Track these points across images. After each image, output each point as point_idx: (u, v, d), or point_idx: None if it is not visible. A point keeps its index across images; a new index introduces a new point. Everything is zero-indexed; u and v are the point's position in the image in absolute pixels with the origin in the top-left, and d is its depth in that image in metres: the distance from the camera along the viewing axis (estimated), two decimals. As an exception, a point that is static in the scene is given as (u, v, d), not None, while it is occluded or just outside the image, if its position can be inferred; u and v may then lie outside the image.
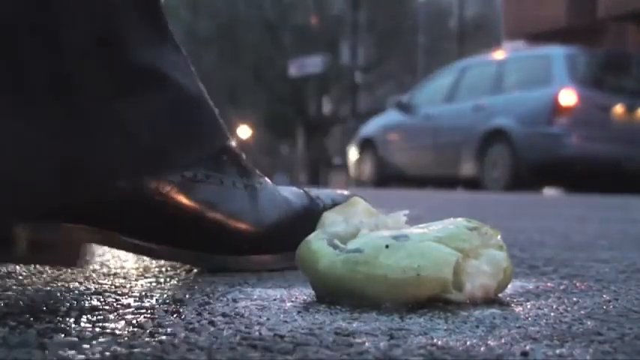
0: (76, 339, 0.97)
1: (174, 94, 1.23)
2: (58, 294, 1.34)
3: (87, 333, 1.01)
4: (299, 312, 1.17)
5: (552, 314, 1.17)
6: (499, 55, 13.45)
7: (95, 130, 1.14)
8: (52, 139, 1.12)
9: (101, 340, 0.97)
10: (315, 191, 1.55)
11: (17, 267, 1.69)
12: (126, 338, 0.98)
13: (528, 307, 1.23)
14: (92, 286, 1.43)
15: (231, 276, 1.59)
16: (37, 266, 1.72)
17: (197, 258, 1.46)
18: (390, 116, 14.75)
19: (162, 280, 1.52)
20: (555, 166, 11.51)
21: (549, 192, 11.76)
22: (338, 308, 1.19)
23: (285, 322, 1.09)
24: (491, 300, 1.24)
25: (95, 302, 1.26)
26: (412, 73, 32.07)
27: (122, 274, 1.59)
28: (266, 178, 1.50)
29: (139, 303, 1.25)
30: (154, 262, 1.83)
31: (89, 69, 1.11)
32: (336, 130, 36.41)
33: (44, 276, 1.56)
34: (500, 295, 1.28)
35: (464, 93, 13.18)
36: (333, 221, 1.30)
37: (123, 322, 1.08)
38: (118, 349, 0.92)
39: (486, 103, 12.41)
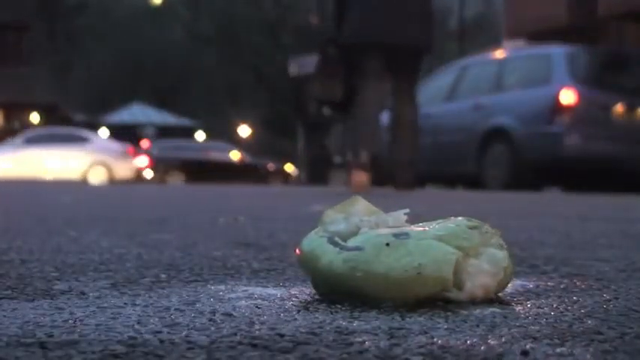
0: (76, 337, 0.97)
1: None
2: (59, 294, 1.34)
3: (87, 332, 1.01)
4: (299, 311, 1.17)
5: (553, 313, 1.17)
6: (499, 54, 13.44)
7: None
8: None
9: (101, 339, 0.97)
10: None
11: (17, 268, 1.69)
12: (126, 337, 0.98)
13: (529, 306, 1.23)
14: (92, 286, 1.43)
15: (231, 275, 1.59)
16: (36, 264, 1.72)
17: None
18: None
19: (162, 280, 1.52)
20: (555, 165, 11.51)
21: (549, 191, 11.75)
22: (338, 307, 1.19)
23: (286, 321, 1.09)
24: (492, 299, 1.24)
25: (95, 302, 1.26)
26: (412, 72, 32.03)
27: (123, 275, 1.59)
28: None
29: (140, 303, 1.25)
30: (153, 262, 1.83)
31: None
32: (336, 129, 36.40)
33: (44, 275, 1.56)
34: (500, 293, 1.28)
35: (464, 92, 13.17)
36: (333, 219, 1.29)
37: (124, 322, 1.08)
38: (118, 348, 0.92)
39: (487, 102, 12.40)
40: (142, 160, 26.30)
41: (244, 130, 42.65)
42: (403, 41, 7.23)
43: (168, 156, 26.56)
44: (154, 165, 25.95)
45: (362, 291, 1.19)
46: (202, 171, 24.89)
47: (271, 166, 28.11)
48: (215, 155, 27.41)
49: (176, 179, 24.64)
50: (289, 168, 27.81)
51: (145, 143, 28.92)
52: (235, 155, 27.53)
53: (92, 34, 42.70)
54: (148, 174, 25.64)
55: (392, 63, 7.31)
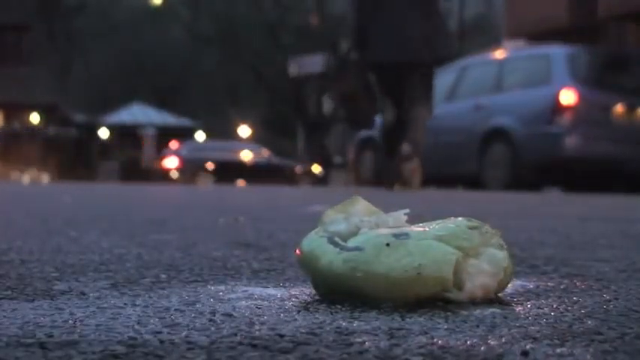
0: (76, 338, 0.97)
1: None
2: (59, 294, 1.34)
3: (87, 332, 1.01)
4: (299, 311, 1.17)
5: (553, 313, 1.17)
6: (499, 54, 13.43)
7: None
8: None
9: (101, 339, 0.97)
10: None
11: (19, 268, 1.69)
12: (126, 337, 0.98)
13: (529, 306, 1.23)
14: (92, 287, 1.43)
15: (231, 276, 1.59)
16: (36, 264, 1.72)
17: None
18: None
19: (162, 280, 1.52)
20: (555, 165, 11.52)
21: (549, 191, 11.77)
22: (338, 307, 1.19)
23: (286, 321, 1.09)
24: (492, 299, 1.24)
25: (95, 302, 1.26)
26: (412, 72, 32.00)
27: (123, 275, 1.59)
28: None
29: (140, 303, 1.25)
30: (153, 263, 1.83)
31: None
32: (336, 130, 36.42)
33: (44, 275, 1.56)
34: (500, 294, 1.28)
35: (464, 92, 13.18)
36: (333, 219, 1.29)
37: (124, 322, 1.08)
38: (118, 348, 0.92)
39: (487, 103, 12.41)
40: (172, 161, 26.44)
41: (244, 130, 42.66)
42: (426, 58, 8.12)
43: (198, 157, 26.61)
44: (184, 166, 26.06)
45: (362, 291, 1.19)
46: (232, 172, 24.95)
47: (299, 168, 28.17)
48: (245, 157, 27.49)
49: (205, 180, 24.71)
50: (316, 169, 27.81)
51: (174, 144, 29.06)
52: (247, 155, 27.55)
53: (92, 34, 42.70)
54: (174, 174, 25.73)
55: (412, 76, 8.19)
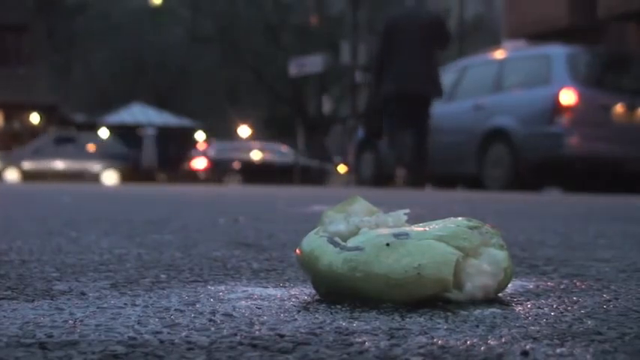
0: (76, 338, 0.97)
1: None
2: (59, 294, 1.34)
3: (87, 332, 1.01)
4: (299, 311, 1.17)
5: (552, 313, 1.17)
6: (499, 54, 13.42)
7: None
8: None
9: (101, 339, 0.97)
10: None
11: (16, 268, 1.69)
12: (126, 337, 0.98)
13: (529, 306, 1.23)
14: (92, 287, 1.43)
15: (231, 276, 1.59)
16: (36, 264, 1.72)
17: None
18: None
19: (162, 280, 1.52)
20: (555, 165, 11.52)
21: (549, 191, 11.76)
22: (338, 307, 1.19)
23: (286, 321, 1.09)
24: (492, 299, 1.24)
25: (95, 302, 1.26)
26: (412, 72, 31.97)
27: (123, 275, 1.59)
28: None
29: (139, 303, 1.25)
30: (153, 263, 1.83)
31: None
32: (335, 130, 36.44)
33: (44, 275, 1.56)
34: (500, 294, 1.28)
35: (464, 92, 13.18)
36: (333, 219, 1.29)
37: (123, 322, 1.08)
38: (118, 349, 0.92)
39: (487, 103, 12.41)
40: (201, 162, 26.44)
41: (244, 130, 42.69)
42: (421, 93, 10.85)
43: (226, 157, 26.56)
44: (212, 167, 26.05)
45: (362, 291, 1.19)
46: (260, 173, 24.95)
47: (327, 168, 28.16)
48: (271, 157, 27.47)
49: (233, 181, 24.70)
50: (342, 169, 27.76)
51: (201, 145, 29.06)
52: (257, 155, 27.51)
53: (92, 34, 42.72)
54: (202, 175, 25.77)
55: (413, 108, 10.83)
